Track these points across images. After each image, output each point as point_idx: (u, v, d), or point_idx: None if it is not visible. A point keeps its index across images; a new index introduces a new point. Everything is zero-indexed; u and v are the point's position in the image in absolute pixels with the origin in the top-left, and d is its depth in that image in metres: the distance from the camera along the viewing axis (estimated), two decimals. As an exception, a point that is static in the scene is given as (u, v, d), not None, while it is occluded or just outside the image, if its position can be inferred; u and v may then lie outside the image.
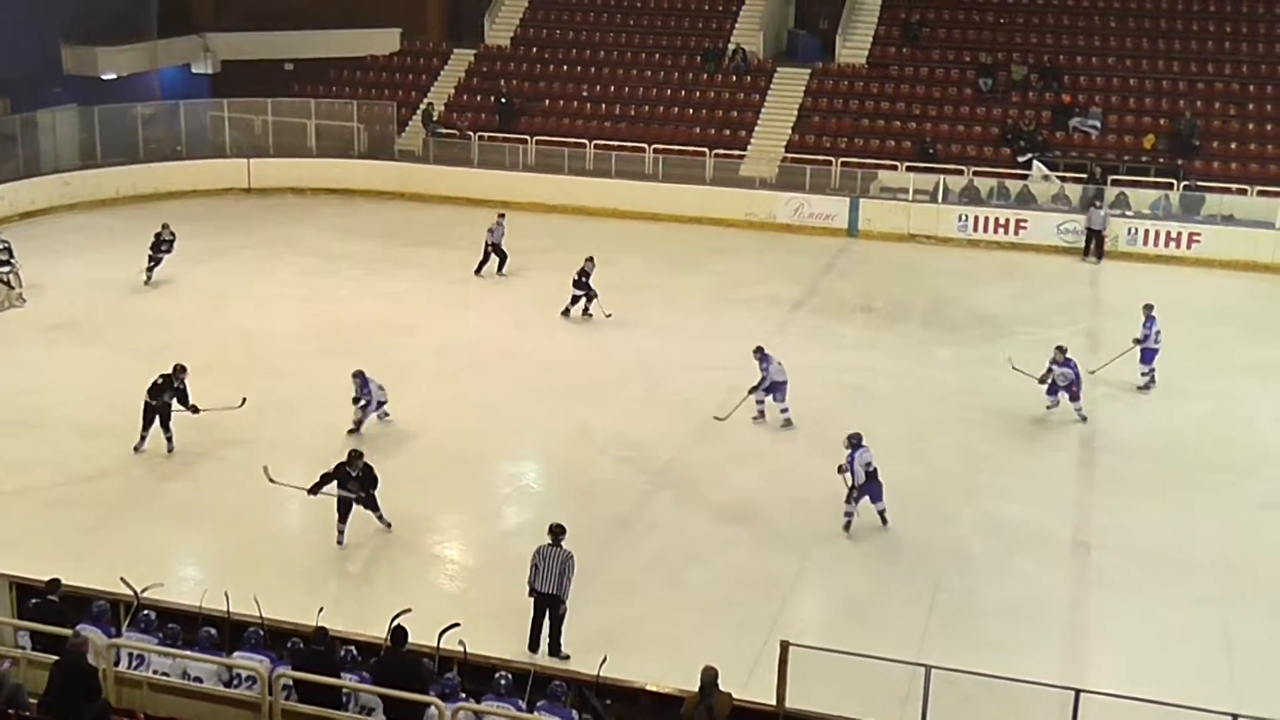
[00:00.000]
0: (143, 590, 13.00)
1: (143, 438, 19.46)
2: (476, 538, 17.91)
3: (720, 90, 39.00)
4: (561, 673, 12.69)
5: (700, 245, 32.27)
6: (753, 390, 21.15)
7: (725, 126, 37.71)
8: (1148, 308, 23.52)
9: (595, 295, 26.30)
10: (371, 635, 12.79)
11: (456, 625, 12.61)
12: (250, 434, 19.97)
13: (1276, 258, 31.65)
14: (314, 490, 16.75)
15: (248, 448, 19.53)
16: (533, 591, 14.57)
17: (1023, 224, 33.33)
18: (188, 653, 11.92)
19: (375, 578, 16.43)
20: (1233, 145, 35.09)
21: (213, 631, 12.22)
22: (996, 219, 33.52)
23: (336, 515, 16.76)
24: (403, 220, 34.38)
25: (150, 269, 27.84)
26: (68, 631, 11.60)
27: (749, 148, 36.95)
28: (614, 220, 34.33)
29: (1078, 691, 12.24)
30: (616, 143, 36.80)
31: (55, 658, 11.23)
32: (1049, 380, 21.76)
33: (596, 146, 36.75)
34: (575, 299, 26.45)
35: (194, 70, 41.32)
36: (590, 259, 26.47)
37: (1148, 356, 23.29)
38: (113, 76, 37.90)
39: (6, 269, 26.35)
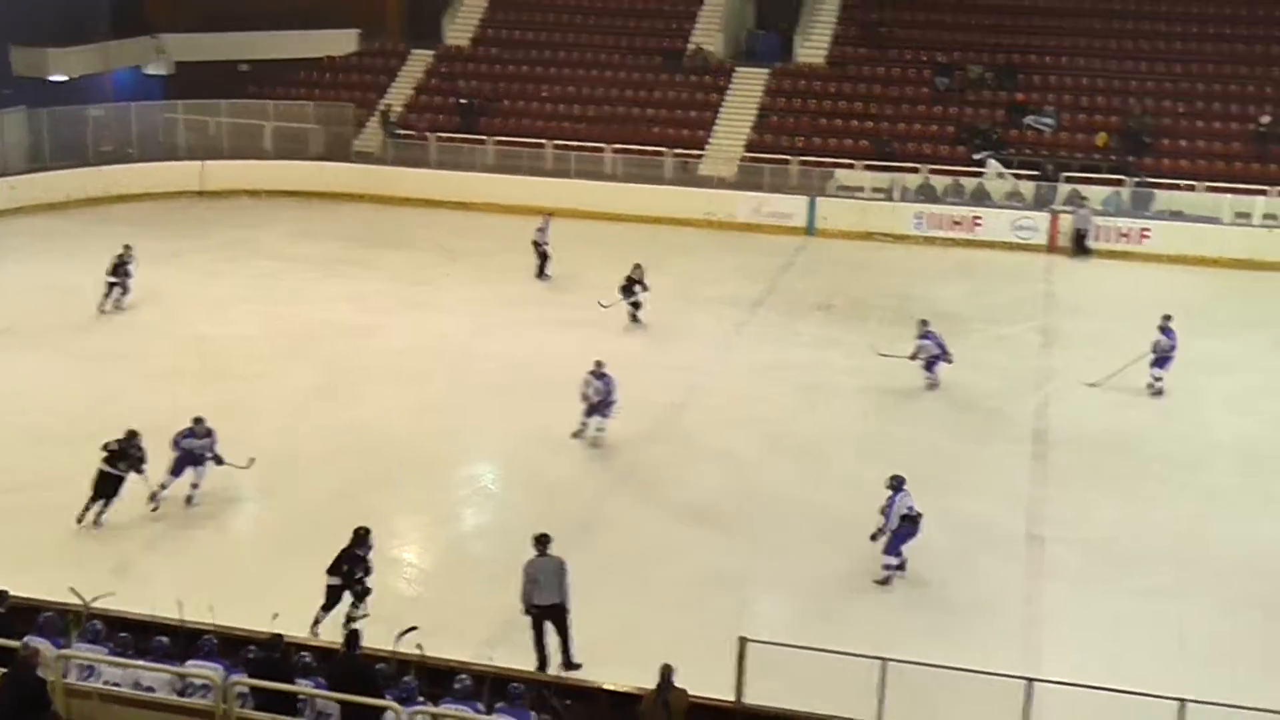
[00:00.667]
0: (93, 600, 12.88)
1: (87, 509, 17.23)
2: (434, 540, 17.95)
3: (679, 90, 39.10)
4: (520, 674, 12.75)
5: (660, 245, 32.33)
6: (591, 412, 20.41)
7: (684, 126, 37.83)
8: (1165, 318, 23.39)
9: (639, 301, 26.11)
10: (328, 641, 12.80)
11: (414, 628, 12.64)
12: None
13: (1224, 252, 32.06)
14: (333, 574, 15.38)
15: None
16: (531, 607, 14.15)
17: (978, 221, 33.63)
18: (139, 662, 11.74)
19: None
20: (1182, 143, 35.51)
21: (165, 640, 12.12)
22: (952, 216, 33.81)
23: (322, 604, 14.87)
24: (362, 222, 34.32)
25: (111, 296, 26.03)
26: (17, 643, 11.32)
27: (708, 147, 37.09)
28: (574, 220, 34.25)
29: (1031, 681, 12.41)
30: (576, 143, 36.87)
31: (3, 670, 11.02)
32: (919, 357, 22.22)
33: (556, 147, 36.82)
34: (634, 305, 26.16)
35: (147, 72, 41.00)
36: (638, 265, 26.25)
37: (1161, 364, 23.04)
38: (63, 78, 37.45)
39: None
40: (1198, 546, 17.70)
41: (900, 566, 16.59)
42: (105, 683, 11.60)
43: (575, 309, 26.97)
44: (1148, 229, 32.56)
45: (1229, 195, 32.95)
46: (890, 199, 34.45)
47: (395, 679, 11.89)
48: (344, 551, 14.79)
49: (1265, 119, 35.05)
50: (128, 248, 26.53)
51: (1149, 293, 29.84)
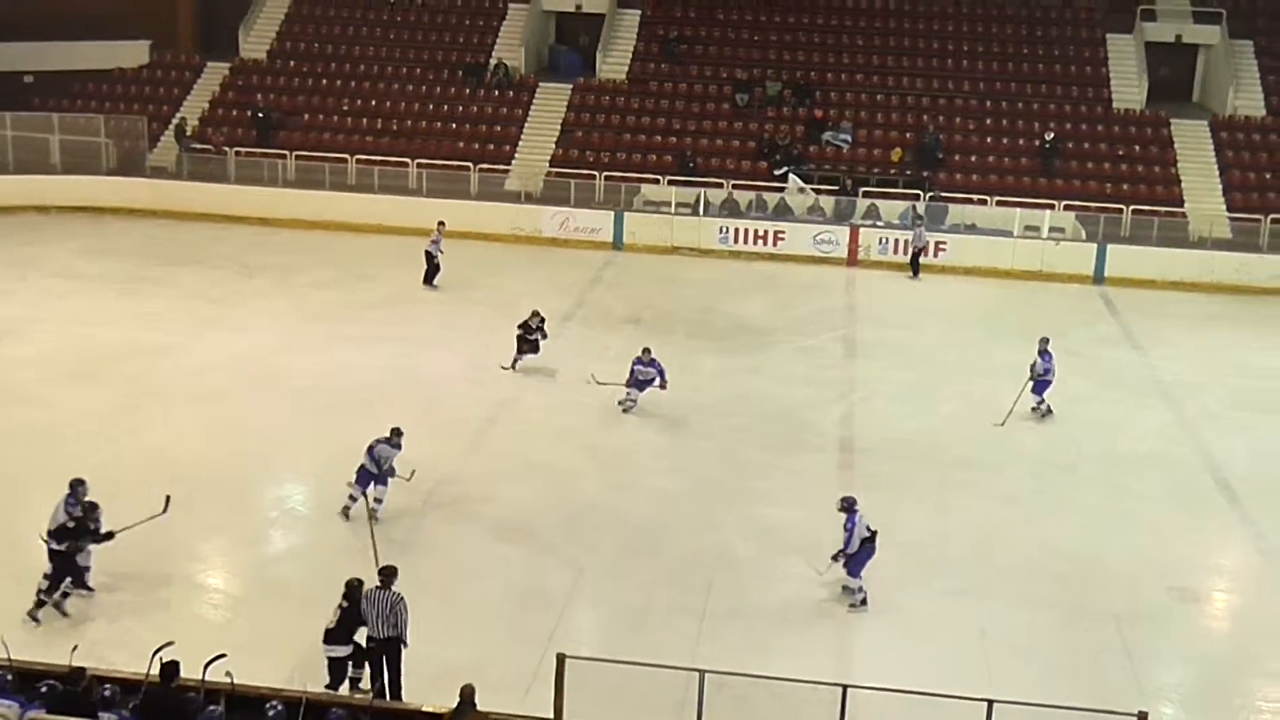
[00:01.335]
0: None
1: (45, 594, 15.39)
2: (241, 564, 17.42)
3: (483, 105, 38.98)
4: (337, 700, 12.47)
5: (468, 260, 32.13)
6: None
7: (489, 141, 37.69)
8: (1043, 340, 23.51)
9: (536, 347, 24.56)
10: (133, 672, 12.30)
11: (223, 656, 12.23)
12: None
13: (1015, 264, 33.38)
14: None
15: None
16: (368, 640, 13.83)
17: (781, 235, 34.30)
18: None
19: (134, 611, 15.76)
20: (973, 158, 36.88)
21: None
22: (756, 230, 34.41)
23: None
24: (157, 239, 33.21)
25: None
26: None
27: (513, 162, 37.03)
28: (379, 236, 33.91)
29: (845, 687, 12.66)
30: (379, 157, 36.42)
31: None
32: (633, 382, 22.46)
33: (359, 161, 36.29)
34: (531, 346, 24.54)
35: (-77, 82, 39.06)
36: (536, 312, 24.66)
37: (1040, 387, 23.14)
38: None
39: None
40: (998, 549, 18.31)
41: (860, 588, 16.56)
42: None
43: (382, 324, 26.60)
44: (943, 242, 33.67)
45: (1019, 209, 34.31)
46: (696, 213, 34.90)
47: (202, 709, 11.51)
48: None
49: (1050, 135, 36.63)
50: None
51: (946, 304, 31.04)
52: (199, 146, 36.99)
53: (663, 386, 22.35)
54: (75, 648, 12.07)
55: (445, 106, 38.94)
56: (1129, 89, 38.69)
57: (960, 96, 38.85)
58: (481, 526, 18.31)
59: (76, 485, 15.79)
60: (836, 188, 35.51)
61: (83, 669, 11.60)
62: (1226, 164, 36.33)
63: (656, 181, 35.82)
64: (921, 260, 33.19)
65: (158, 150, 37.50)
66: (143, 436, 20.62)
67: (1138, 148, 37.06)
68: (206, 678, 12.01)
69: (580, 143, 37.58)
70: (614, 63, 40.26)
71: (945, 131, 37.40)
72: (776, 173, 36.12)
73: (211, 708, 11.40)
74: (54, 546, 15.36)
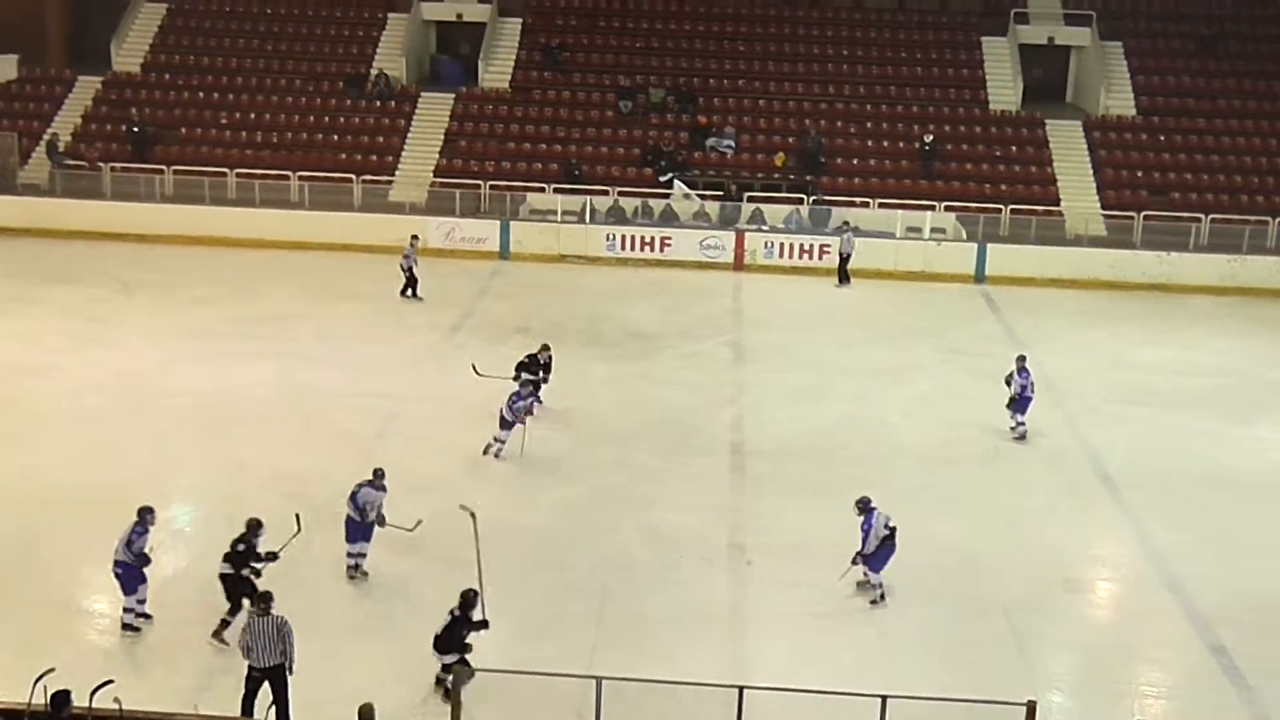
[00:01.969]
0: None
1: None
2: (128, 588, 16.99)
3: (364, 115, 38.61)
4: (228, 721, 12.26)
5: (352, 273, 31.83)
6: None
7: (372, 152, 37.33)
8: (1020, 359, 22.92)
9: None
10: (15, 702, 11.96)
11: (110, 682, 11.95)
12: None
13: (898, 265, 33.89)
14: None
15: None
16: (251, 669, 13.47)
17: (667, 241, 34.44)
18: None
19: (14, 640, 15.30)
20: (855, 161, 37.39)
21: None
22: (643, 237, 34.51)
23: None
24: (30, 257, 32.34)
25: None
26: None
27: (397, 173, 36.74)
28: (261, 250, 33.40)
29: (741, 689, 12.74)
30: (260, 171, 35.88)
31: None
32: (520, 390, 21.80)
33: (238, 175, 35.74)
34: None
35: None
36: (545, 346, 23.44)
37: (1021, 406, 22.53)
38: None
39: None
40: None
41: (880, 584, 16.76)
42: None
43: (265, 340, 26.22)
44: (828, 245, 34.06)
45: (900, 211, 34.83)
46: (582, 221, 34.92)
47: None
48: None
49: (929, 137, 37.26)
50: None
51: (831, 306, 31.44)
52: (72, 163, 36.16)
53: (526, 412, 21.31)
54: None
55: (326, 118, 38.51)
56: (1004, 91, 39.54)
57: (841, 101, 39.37)
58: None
59: (145, 513, 15.54)
60: (721, 193, 35.76)
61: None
62: (1100, 163, 37.28)
63: (542, 190, 35.78)
64: (810, 263, 33.60)
65: (29, 167, 36.62)
66: (19, 459, 20.05)
67: (1014, 148, 37.88)
68: (94, 705, 11.74)
69: (465, 152, 37.40)
70: (496, 72, 40.14)
71: (827, 135, 37.86)
72: (662, 179, 36.29)
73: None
74: (226, 570, 15.26)
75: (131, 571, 15.33)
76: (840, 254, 33.11)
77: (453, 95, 39.27)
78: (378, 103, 38.91)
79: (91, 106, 38.78)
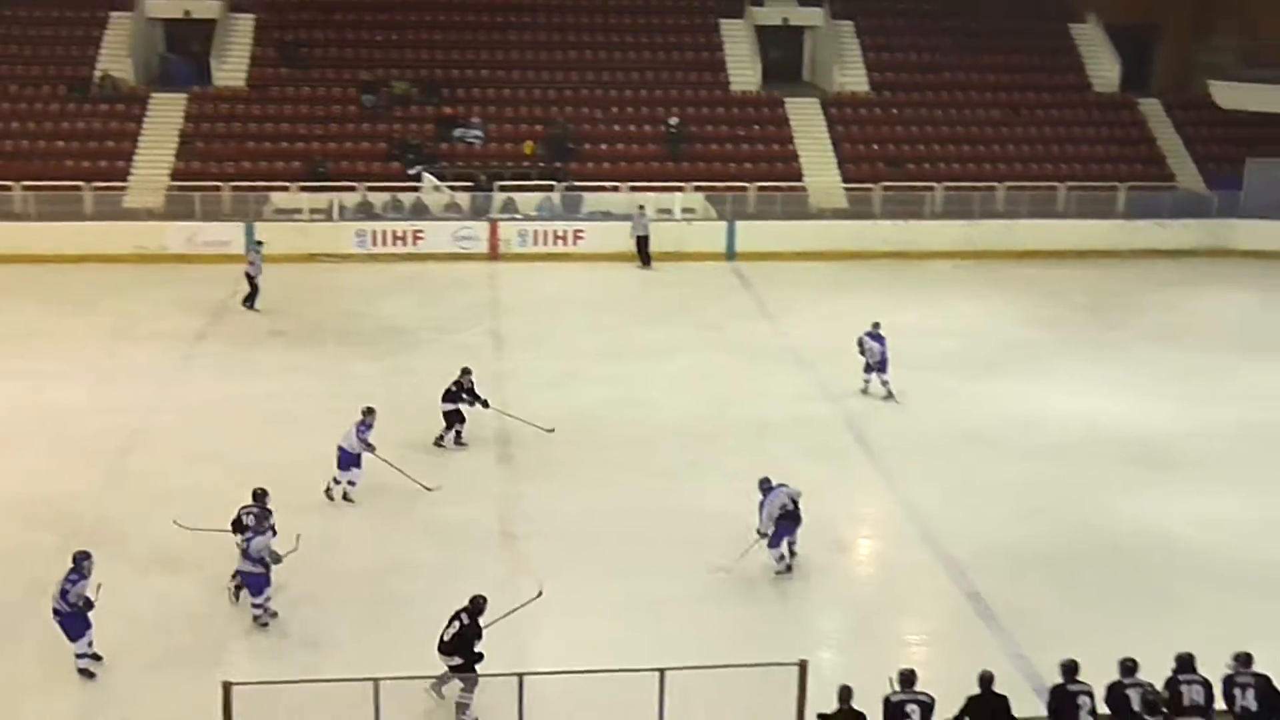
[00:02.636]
0: None
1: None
2: None
3: (91, 120, 36.88)
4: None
5: (90, 284, 30.43)
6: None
7: (102, 157, 35.68)
8: (875, 325, 23.90)
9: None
10: None
11: None
12: None
13: (655, 246, 34.04)
14: None
15: None
16: None
17: (420, 234, 34.05)
18: None
19: None
20: (603, 147, 37.62)
21: None
22: (394, 232, 34.02)
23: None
24: None
25: None
26: None
27: (130, 178, 35.23)
28: (-11, 266, 31.65)
29: (521, 676, 12.70)
30: (-20, 182, 33.96)
31: None
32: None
33: (-43, 188, 33.75)
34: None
35: None
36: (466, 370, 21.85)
37: (882, 366, 23.73)
38: None
39: None
40: (658, 521, 18.71)
41: (786, 554, 17.29)
42: None
43: (11, 358, 24.89)
44: (581, 230, 34.21)
45: (651, 194, 35.20)
46: (330, 219, 34.23)
47: None
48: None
49: (674, 121, 37.77)
50: None
51: (588, 290, 31.61)
52: None
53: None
54: None
55: (49, 124, 36.65)
56: (744, 72, 40.37)
57: (586, 87, 39.53)
58: (135, 561, 17.29)
59: (81, 559, 14.86)
60: (472, 184, 35.51)
61: None
62: (838, 139, 38.44)
63: (286, 189, 34.87)
64: (565, 249, 33.78)
65: None
66: None
67: (757, 127, 38.72)
68: None
69: (202, 154, 36.16)
70: (230, 69, 38.91)
71: (574, 122, 37.97)
72: (410, 172, 35.82)
73: None
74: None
75: (70, 619, 14.62)
76: (635, 236, 33.53)
77: (185, 95, 37.87)
78: (105, 106, 37.24)
79: None
